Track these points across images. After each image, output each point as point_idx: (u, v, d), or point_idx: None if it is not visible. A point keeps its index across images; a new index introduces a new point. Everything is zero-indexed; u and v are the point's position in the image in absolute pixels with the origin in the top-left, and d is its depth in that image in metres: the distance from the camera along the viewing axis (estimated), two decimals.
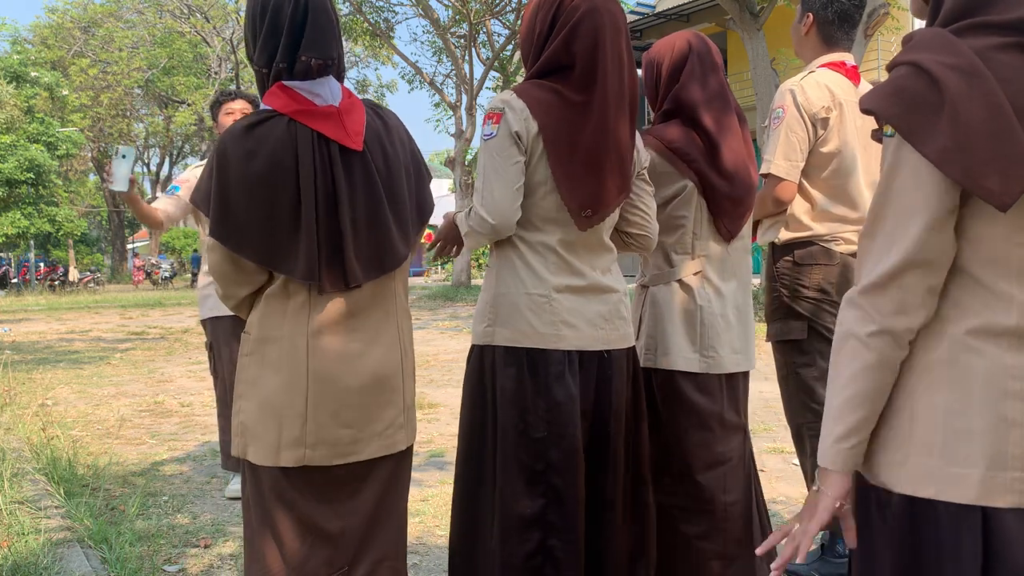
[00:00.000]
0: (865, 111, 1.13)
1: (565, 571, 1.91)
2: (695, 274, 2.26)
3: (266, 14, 1.62)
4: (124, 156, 3.44)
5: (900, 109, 1.07)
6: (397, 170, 1.72)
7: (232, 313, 3.85)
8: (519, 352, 1.92)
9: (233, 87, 29.02)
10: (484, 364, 1.98)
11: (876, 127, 1.17)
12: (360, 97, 1.76)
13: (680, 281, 2.26)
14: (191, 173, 3.97)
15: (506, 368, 1.93)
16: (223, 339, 3.86)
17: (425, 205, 1.80)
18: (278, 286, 1.65)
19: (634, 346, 2.09)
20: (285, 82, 1.64)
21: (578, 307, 1.94)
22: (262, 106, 1.67)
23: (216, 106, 3.91)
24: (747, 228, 2.35)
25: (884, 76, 1.14)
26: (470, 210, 1.94)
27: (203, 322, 3.95)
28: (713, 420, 2.24)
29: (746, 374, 2.37)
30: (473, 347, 2.04)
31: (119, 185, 3.44)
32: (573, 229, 1.94)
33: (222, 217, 1.60)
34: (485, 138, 1.92)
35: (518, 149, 1.89)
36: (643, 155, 2.10)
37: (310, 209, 1.59)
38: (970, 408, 1.07)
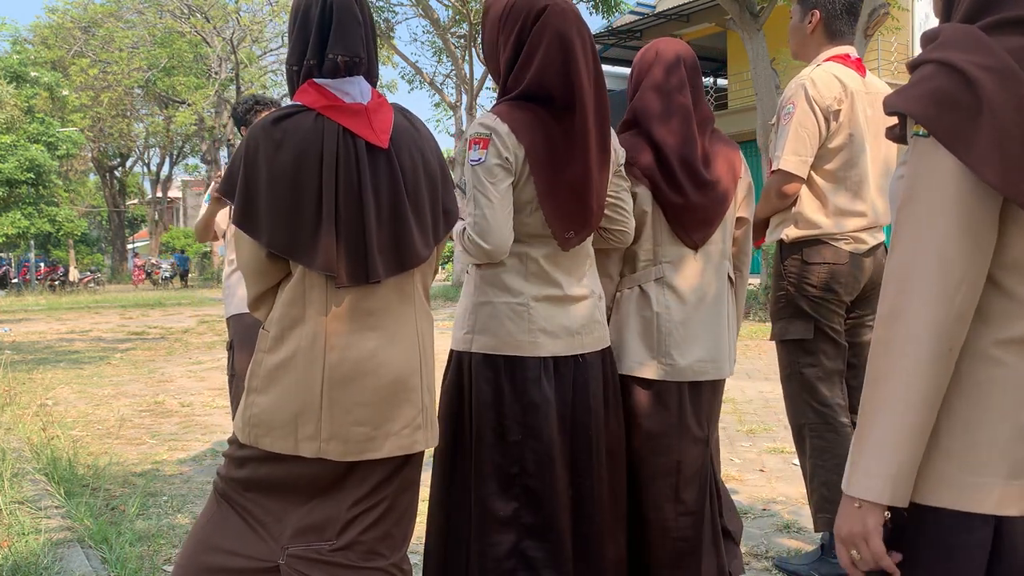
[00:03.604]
0: (892, 112, 1.08)
1: (542, 570, 1.92)
2: (655, 280, 2.21)
3: (297, 16, 1.69)
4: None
5: (936, 111, 1.02)
6: (422, 172, 1.75)
7: None
8: (497, 359, 1.95)
9: (234, 87, 29.11)
10: (462, 369, 2.01)
11: (892, 125, 1.13)
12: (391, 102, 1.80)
13: (639, 287, 2.23)
14: None
15: (484, 374, 1.96)
16: (245, 338, 3.82)
17: (452, 210, 1.83)
18: (297, 284, 1.67)
19: (609, 347, 2.11)
20: (316, 79, 1.68)
21: (556, 315, 1.98)
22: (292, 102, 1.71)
23: (251, 113, 3.89)
24: (719, 234, 2.28)
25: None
26: (463, 230, 1.95)
27: (228, 319, 3.92)
28: (670, 428, 2.18)
29: (715, 384, 2.29)
30: (452, 352, 2.06)
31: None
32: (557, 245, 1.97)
33: (247, 206, 1.63)
34: (473, 163, 1.92)
35: (507, 173, 1.91)
36: (620, 152, 2.11)
37: (330, 201, 1.62)
38: (990, 418, 1.05)
